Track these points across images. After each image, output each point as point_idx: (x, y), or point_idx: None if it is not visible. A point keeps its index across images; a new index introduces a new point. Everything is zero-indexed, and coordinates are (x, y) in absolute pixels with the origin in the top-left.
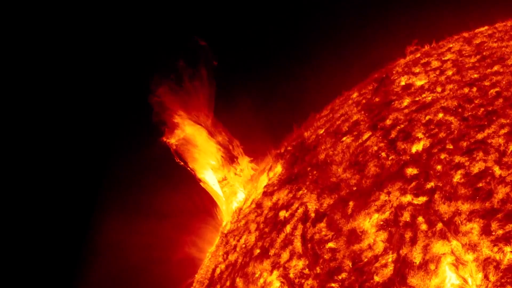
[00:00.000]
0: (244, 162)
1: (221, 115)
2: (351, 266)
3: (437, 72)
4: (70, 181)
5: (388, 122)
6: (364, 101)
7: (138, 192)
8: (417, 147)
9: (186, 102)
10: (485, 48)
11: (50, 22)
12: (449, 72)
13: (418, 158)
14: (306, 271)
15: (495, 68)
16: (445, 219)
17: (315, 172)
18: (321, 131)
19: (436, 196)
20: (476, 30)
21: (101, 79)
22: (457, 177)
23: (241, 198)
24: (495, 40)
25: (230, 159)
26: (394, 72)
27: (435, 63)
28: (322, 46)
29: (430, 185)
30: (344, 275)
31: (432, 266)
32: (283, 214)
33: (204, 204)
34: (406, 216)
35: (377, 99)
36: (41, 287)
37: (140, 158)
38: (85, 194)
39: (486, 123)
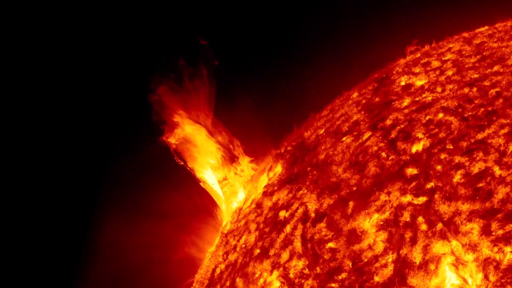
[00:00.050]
0: (245, 162)
1: (221, 115)
2: (351, 266)
3: (437, 72)
4: (70, 181)
5: (388, 122)
6: (364, 101)
7: (138, 192)
8: (417, 147)
9: (186, 101)
10: (485, 48)
11: (50, 21)
12: (449, 72)
13: (418, 158)
14: (306, 271)
15: (495, 68)
16: (445, 219)
17: (315, 172)
18: (321, 131)
19: (436, 196)
20: (476, 30)
21: (101, 78)
22: (457, 177)
23: (241, 198)
24: (495, 40)
25: (231, 159)
26: (394, 72)
27: (435, 63)
28: (322, 46)
29: (430, 185)
30: (344, 275)
31: (432, 266)
32: (283, 214)
33: (204, 204)
34: (406, 216)
35: (377, 99)
36: (41, 287)
37: (140, 158)
38: (85, 194)
39: (486, 123)
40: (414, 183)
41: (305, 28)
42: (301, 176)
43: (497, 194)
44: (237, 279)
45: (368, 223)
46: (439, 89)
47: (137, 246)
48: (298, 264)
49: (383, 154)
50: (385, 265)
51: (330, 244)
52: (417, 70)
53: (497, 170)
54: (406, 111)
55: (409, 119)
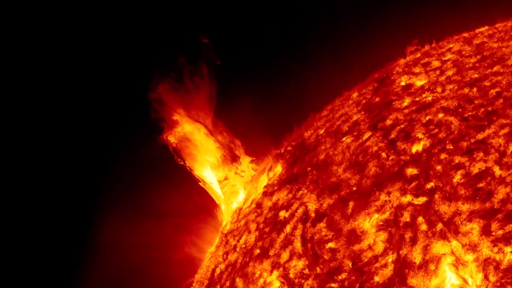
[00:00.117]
0: (245, 162)
1: (221, 115)
2: (351, 266)
3: (437, 72)
4: (70, 181)
5: (388, 122)
6: (364, 101)
7: (138, 192)
8: (417, 147)
9: (186, 100)
10: (486, 48)
11: (49, 20)
12: (450, 72)
13: (418, 158)
14: (306, 271)
15: (496, 68)
16: (445, 219)
17: (315, 172)
18: (321, 131)
19: (436, 196)
20: (477, 30)
21: (101, 78)
22: (457, 177)
23: (241, 198)
24: (496, 40)
25: (231, 158)
26: (394, 72)
27: (435, 63)
28: (322, 46)
29: (430, 185)
30: (344, 275)
31: (432, 267)
32: (283, 214)
33: (204, 204)
34: (406, 216)
35: (377, 99)
36: (41, 287)
37: (140, 158)
38: (85, 194)
39: (486, 123)
40: (414, 183)
41: (305, 28)
42: (301, 176)
43: (497, 194)
44: (237, 279)
45: (368, 223)
46: (439, 89)
47: (137, 246)
48: (298, 264)
49: (383, 154)
50: (385, 265)
51: (330, 244)
52: (417, 70)
53: (497, 170)
54: (406, 111)
55: (409, 119)
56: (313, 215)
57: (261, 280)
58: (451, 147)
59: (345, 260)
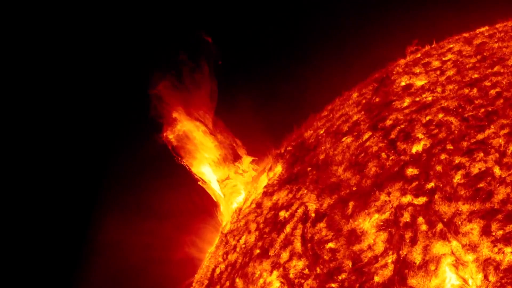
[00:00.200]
0: (247, 162)
1: (221, 115)
2: (351, 267)
3: (438, 72)
4: (70, 181)
5: (388, 122)
6: (364, 101)
7: (138, 192)
8: (417, 148)
9: (187, 98)
10: (486, 49)
11: (49, 19)
12: (450, 73)
13: (418, 158)
14: (306, 271)
15: (496, 68)
16: (445, 219)
17: (315, 172)
18: (321, 131)
19: (436, 196)
20: (477, 31)
21: (101, 76)
22: (457, 178)
23: (241, 198)
24: (496, 40)
25: (233, 157)
26: (394, 72)
27: (435, 64)
28: (322, 46)
29: (430, 185)
30: (344, 275)
31: (432, 267)
32: (283, 214)
33: (204, 204)
34: (406, 217)
35: (377, 99)
36: (41, 287)
37: (140, 157)
38: (85, 193)
39: (486, 123)
40: (414, 184)
41: (305, 28)
42: (301, 176)
43: (497, 194)
44: (237, 279)
45: (368, 223)
46: (439, 90)
47: (137, 246)
48: (298, 264)
49: (383, 155)
50: (385, 266)
51: (330, 244)
52: (417, 70)
53: (497, 171)
54: (406, 111)
55: (409, 119)
56: (313, 215)
57: (261, 280)
58: (451, 147)
59: (345, 260)
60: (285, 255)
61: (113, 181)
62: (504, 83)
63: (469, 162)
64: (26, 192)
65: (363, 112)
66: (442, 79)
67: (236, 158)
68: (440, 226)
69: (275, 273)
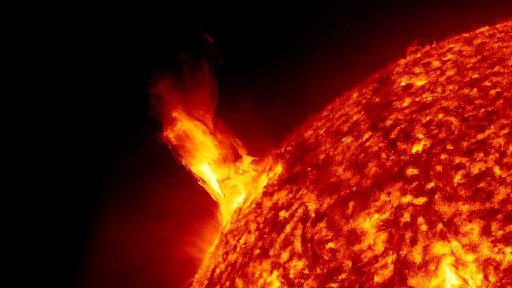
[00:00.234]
0: (247, 162)
1: (221, 114)
2: (351, 267)
3: (438, 72)
4: (70, 181)
5: (389, 122)
6: (364, 101)
7: (138, 192)
8: (417, 148)
9: (187, 98)
10: (486, 49)
11: (49, 18)
12: (450, 73)
13: (418, 158)
14: (306, 271)
15: (496, 68)
16: (445, 219)
17: (315, 172)
18: (321, 131)
19: (436, 196)
20: (477, 31)
21: (101, 76)
22: (457, 178)
23: (241, 198)
24: (496, 40)
25: (233, 158)
26: (394, 72)
27: (435, 64)
28: (322, 46)
29: (430, 185)
30: (344, 275)
31: (432, 267)
32: (283, 214)
33: (204, 204)
34: (406, 217)
35: (377, 99)
36: (41, 287)
37: (140, 157)
38: (85, 193)
39: (486, 123)
40: (414, 184)
41: (305, 28)
42: (301, 176)
43: (497, 194)
44: (237, 279)
45: (368, 223)
46: (439, 90)
47: (137, 246)
48: (298, 264)
49: (383, 155)
50: (385, 266)
51: (330, 245)
52: (417, 70)
53: (497, 171)
54: (406, 111)
55: (409, 120)
56: (313, 215)
57: (261, 280)
58: (451, 148)
59: (345, 260)
60: (285, 255)
61: (113, 181)
62: (504, 83)
63: (469, 162)
64: (27, 192)
65: (363, 112)
66: (442, 79)
67: (237, 158)
68: (440, 226)
69: (275, 273)
